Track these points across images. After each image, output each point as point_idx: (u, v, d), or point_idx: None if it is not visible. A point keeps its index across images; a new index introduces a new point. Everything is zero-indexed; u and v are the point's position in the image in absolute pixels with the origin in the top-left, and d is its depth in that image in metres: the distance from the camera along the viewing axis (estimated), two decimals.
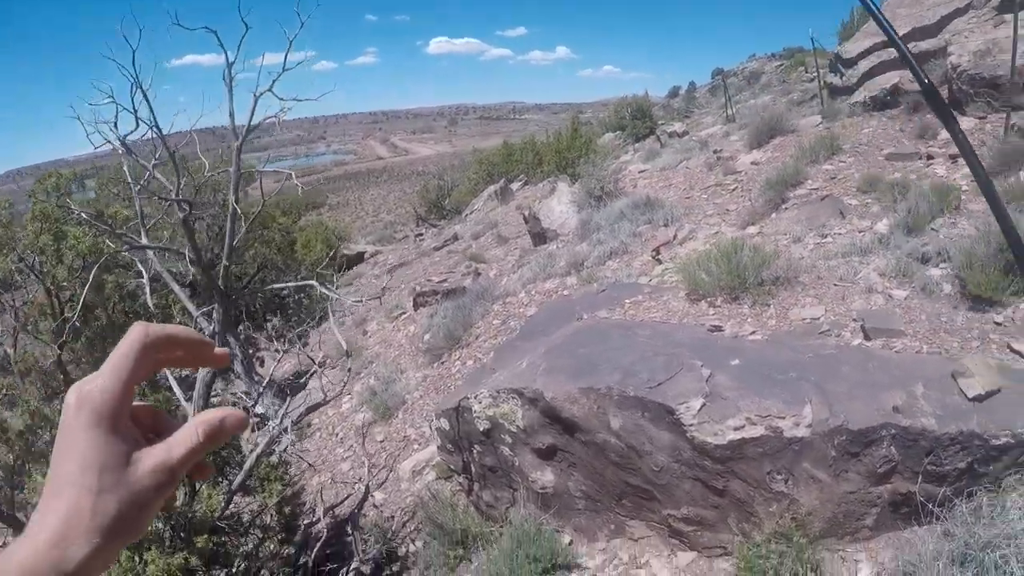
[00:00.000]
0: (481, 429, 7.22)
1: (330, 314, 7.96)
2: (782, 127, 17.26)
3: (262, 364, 18.30)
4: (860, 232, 9.94)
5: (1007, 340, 6.35)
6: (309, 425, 12.58)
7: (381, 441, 10.79)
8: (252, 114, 6.89)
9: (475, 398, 7.22)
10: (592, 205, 16.28)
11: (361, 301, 9.04)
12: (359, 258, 30.89)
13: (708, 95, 49.17)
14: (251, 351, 17.67)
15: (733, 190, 14.53)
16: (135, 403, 0.82)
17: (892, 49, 16.09)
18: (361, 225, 50.46)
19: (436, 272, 18.44)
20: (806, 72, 31.62)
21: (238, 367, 15.73)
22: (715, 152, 18.24)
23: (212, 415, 0.83)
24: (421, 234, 31.46)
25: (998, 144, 10.76)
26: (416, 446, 10.09)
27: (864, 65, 18.21)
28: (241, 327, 18.53)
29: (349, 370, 8.90)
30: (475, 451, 7.53)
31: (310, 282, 7.87)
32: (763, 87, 35.80)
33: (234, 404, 11.26)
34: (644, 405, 5.79)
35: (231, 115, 6.70)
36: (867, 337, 6.76)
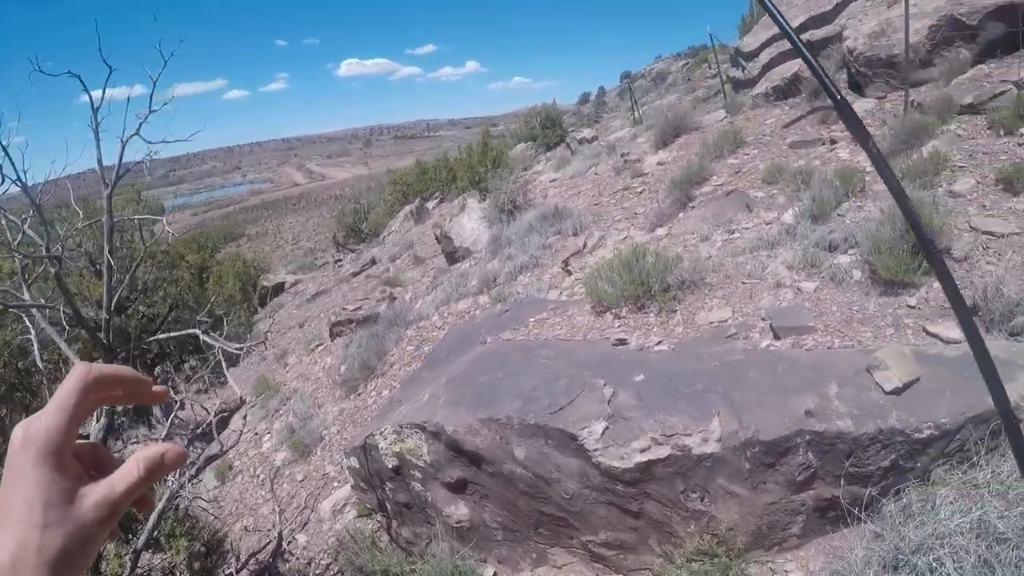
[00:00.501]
0: (390, 466, 6.89)
1: (222, 360, 7.41)
2: (686, 125, 17.09)
3: (182, 407, 17.70)
4: (767, 224, 9.78)
5: (922, 323, 6.19)
6: (230, 468, 12.18)
7: (301, 480, 10.41)
8: (120, 159, 6.39)
9: (380, 435, 6.89)
10: (502, 220, 15.95)
11: (242, 348, 8.54)
12: (279, 288, 30.22)
13: (617, 99, 49.26)
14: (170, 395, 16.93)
15: (640, 193, 14.25)
16: (78, 441, 0.82)
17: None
18: (281, 254, 49.86)
19: (353, 299, 17.99)
20: (709, 69, 31.70)
21: (156, 410, 15.26)
22: (622, 155, 18.00)
23: (153, 451, 0.83)
24: (340, 260, 31.01)
25: (899, 122, 10.57)
26: (336, 483, 9.72)
27: (764, 57, 18.30)
28: (158, 370, 17.92)
29: (245, 418, 8.39)
30: (388, 488, 7.19)
31: (193, 331, 7.35)
32: (669, 87, 36.08)
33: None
34: (546, 432, 5.47)
35: (99, 162, 6.17)
36: (776, 337, 6.51)
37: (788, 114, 14.93)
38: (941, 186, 8.69)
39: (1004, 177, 8.21)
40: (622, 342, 7.09)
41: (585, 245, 12.07)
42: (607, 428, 5.22)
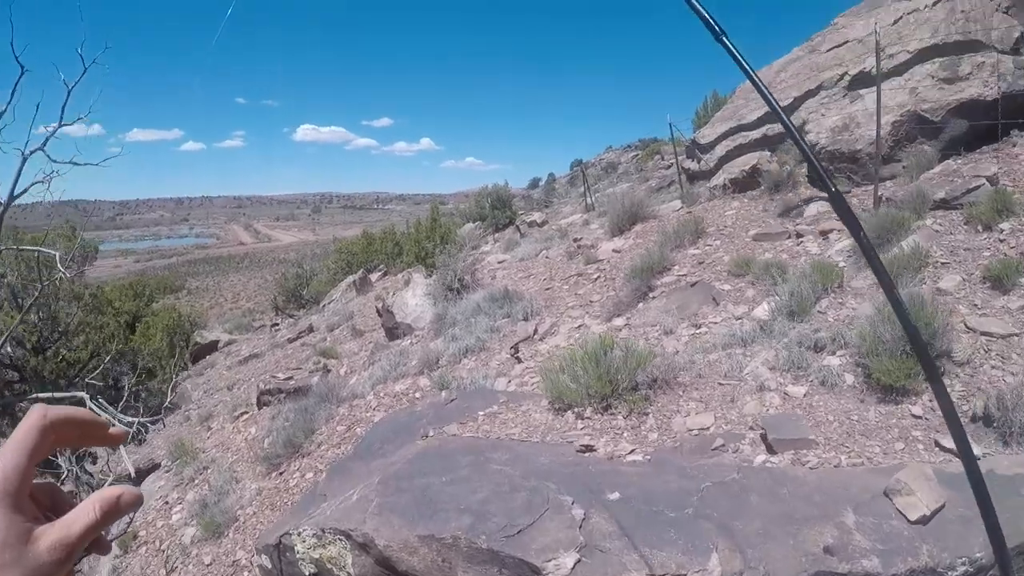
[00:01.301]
0: (307, 573, 5.68)
1: (121, 448, 6.26)
2: (643, 213, 16.31)
3: (94, 462, 16.58)
4: (737, 319, 9.06)
5: (933, 436, 5.53)
6: (135, 537, 10.95)
7: (209, 564, 9.19)
8: (18, 176, 5.28)
9: (298, 535, 5.77)
10: (449, 298, 15.03)
11: (136, 422, 7.44)
12: (213, 347, 28.86)
13: (567, 185, 48.89)
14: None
15: (596, 279, 13.42)
16: (34, 482, 0.81)
17: (747, 132, 16.26)
18: (219, 312, 49.01)
19: (286, 367, 16.93)
20: (662, 160, 31.65)
21: (64, 464, 14.07)
22: (575, 240, 17.11)
23: (109, 492, 0.82)
24: (277, 324, 29.77)
25: (874, 217, 9.88)
26: (246, 574, 8.51)
27: (720, 149, 17.63)
28: (99, 410, 16.58)
29: (131, 519, 7.19)
30: None
31: (78, 393, 6.20)
32: (621, 175, 35.81)
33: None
34: (501, 561, 4.42)
35: None
36: (771, 450, 5.54)
37: (747, 207, 14.37)
38: (925, 283, 8.07)
39: (992, 275, 7.69)
40: (588, 448, 6.07)
41: (535, 331, 11.23)
42: (579, 561, 4.17)
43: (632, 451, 5.99)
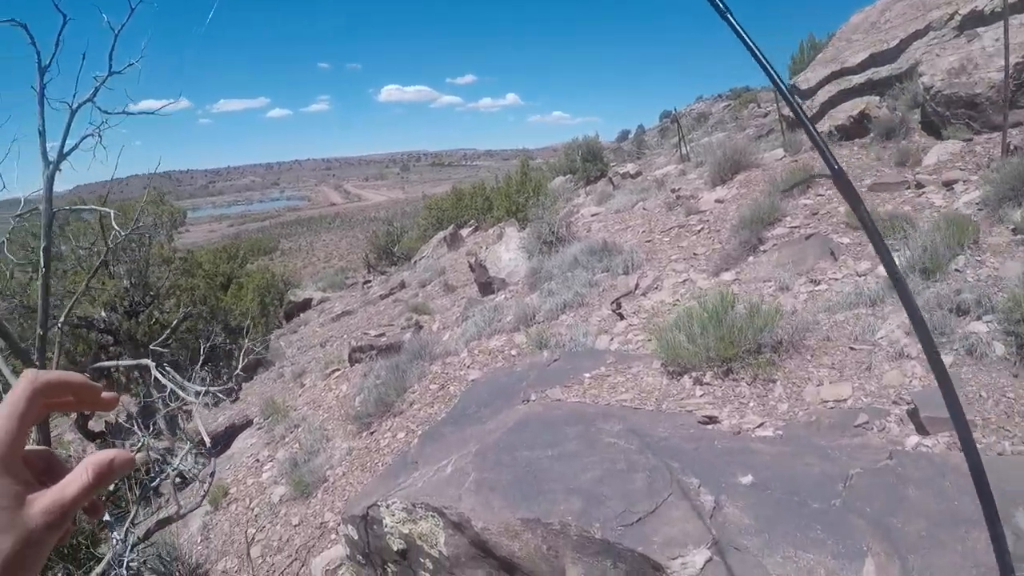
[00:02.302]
0: (395, 548, 5.18)
1: (194, 402, 5.79)
2: (745, 161, 15.29)
3: (188, 419, 16.54)
4: (860, 276, 8.20)
5: None
6: (226, 494, 10.79)
7: (296, 525, 8.82)
8: (67, 131, 4.74)
9: (386, 507, 5.17)
10: (543, 251, 14.44)
11: (200, 393, 6.95)
12: (306, 304, 28.90)
13: (657, 137, 47.71)
14: (176, 403, 15.84)
15: (699, 231, 12.61)
16: (29, 448, 0.81)
17: (851, 76, 15.82)
18: (312, 271, 49.35)
19: (377, 323, 16.55)
20: (758, 107, 30.51)
21: (160, 422, 13.99)
22: (673, 191, 16.21)
23: (102, 456, 0.81)
24: (369, 281, 29.57)
25: (1003, 168, 8.85)
26: (333, 536, 8.06)
27: (822, 95, 16.64)
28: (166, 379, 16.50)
29: (213, 474, 6.74)
30: (390, 570, 5.42)
31: (144, 361, 5.71)
32: (715, 125, 34.34)
33: (156, 461, 9.61)
34: (616, 553, 3.72)
35: (41, 133, 4.47)
36: (922, 430, 4.73)
37: (857, 155, 13.28)
38: None
39: None
40: (712, 420, 5.34)
41: (637, 286, 10.54)
42: (710, 560, 3.46)
43: (761, 424, 5.24)
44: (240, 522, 9.80)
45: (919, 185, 10.53)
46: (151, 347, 6.82)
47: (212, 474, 6.97)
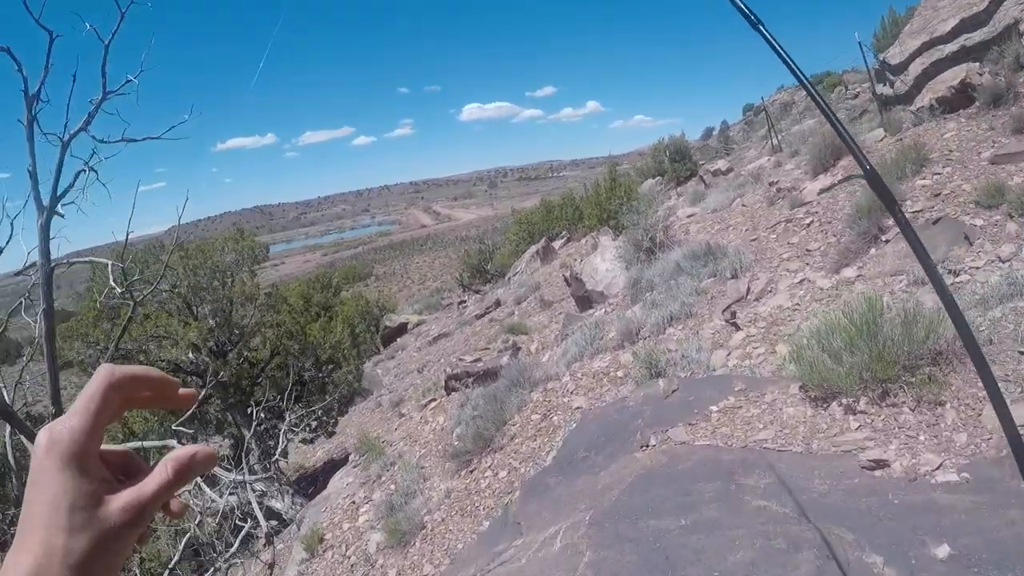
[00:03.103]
0: None
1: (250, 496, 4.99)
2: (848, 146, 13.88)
3: (284, 457, 16.02)
4: (1004, 262, 7.14)
5: None
6: (321, 540, 10.19)
7: None
8: (59, 168, 3.86)
9: None
10: (641, 259, 13.47)
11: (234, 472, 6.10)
12: (402, 329, 28.88)
13: (743, 132, 46.38)
14: (270, 443, 15.43)
15: (808, 224, 11.48)
16: (108, 447, 0.77)
17: (943, 45, 14.65)
18: (407, 294, 49.74)
19: (473, 347, 15.87)
20: (846, 90, 29.31)
21: (253, 462, 13.60)
22: (771, 184, 15.22)
23: (182, 452, 0.77)
24: (464, 301, 29.19)
25: None
26: None
27: (915, 68, 15.58)
28: (255, 413, 16.10)
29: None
30: None
31: (170, 442, 4.83)
32: (802, 112, 33.18)
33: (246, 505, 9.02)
34: None
35: (31, 174, 3.63)
36: None
37: (967, 127, 12.00)
38: None
39: None
40: (880, 464, 4.20)
41: (748, 291, 9.57)
42: None
43: (940, 466, 4.08)
44: (336, 573, 9.14)
45: None
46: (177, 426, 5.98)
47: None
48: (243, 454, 8.23)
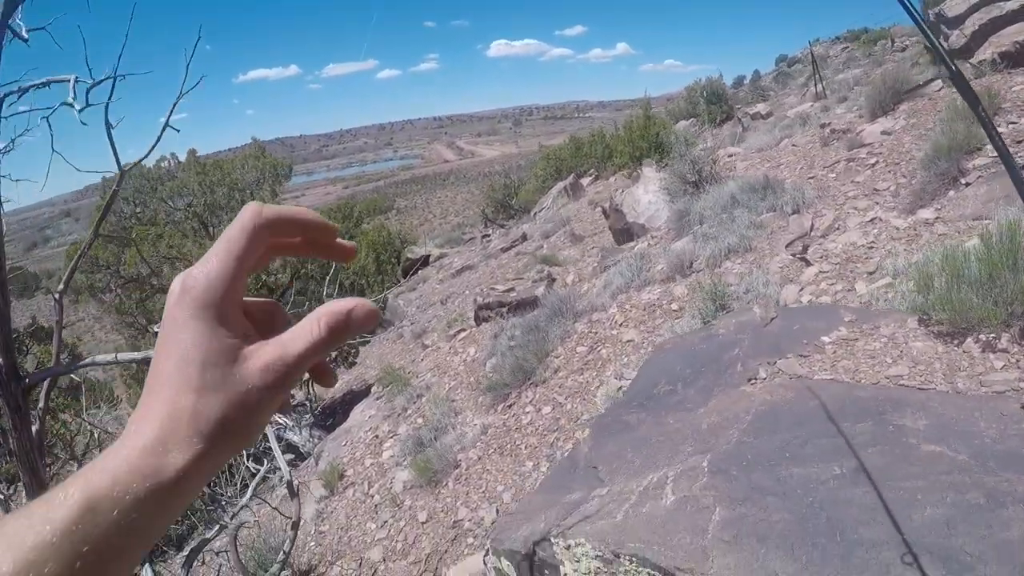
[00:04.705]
0: None
1: (273, 442, 4.17)
2: (909, 90, 13.48)
3: (301, 387, 15.41)
4: None
5: None
6: (342, 477, 9.38)
7: (424, 523, 7.16)
8: None
9: (566, 548, 3.45)
10: (688, 192, 12.62)
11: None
12: (424, 261, 28.37)
13: (778, 80, 45.40)
14: None
15: (873, 164, 10.71)
16: (251, 299, 0.69)
17: (1005, 3, 14.32)
18: (428, 228, 49.56)
19: (503, 277, 15.15)
20: (892, 44, 28.50)
21: None
22: (823, 126, 14.52)
23: (338, 305, 0.64)
24: (488, 235, 28.71)
25: None
26: (470, 540, 6.45)
27: (972, 23, 15.33)
28: None
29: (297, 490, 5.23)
30: None
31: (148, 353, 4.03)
32: (845, 63, 32.28)
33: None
34: None
35: None
36: None
37: None
38: None
39: None
40: None
41: (813, 227, 8.83)
42: None
43: None
44: (358, 513, 8.35)
45: None
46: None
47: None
48: None
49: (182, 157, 15.68)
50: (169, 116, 3.03)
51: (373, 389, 12.89)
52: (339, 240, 0.70)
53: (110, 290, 12.90)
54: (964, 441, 2.96)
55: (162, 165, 14.90)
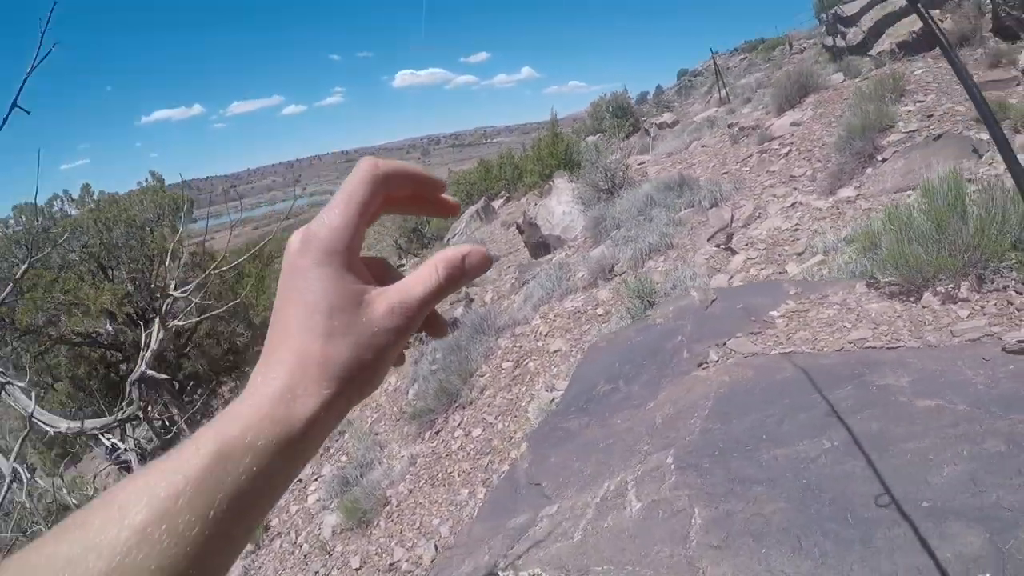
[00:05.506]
0: None
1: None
2: (813, 84, 13.90)
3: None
4: None
5: None
6: (267, 527, 8.67)
7: (358, 569, 6.59)
8: None
9: None
10: (603, 199, 12.57)
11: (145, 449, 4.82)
12: None
13: (680, 93, 46.30)
14: (203, 421, 14.01)
15: (786, 154, 10.96)
16: (362, 256, 0.66)
17: None
18: None
19: None
20: (789, 48, 29.43)
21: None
22: (731, 125, 15.04)
23: (453, 252, 0.63)
24: (403, 264, 28.25)
25: None
26: None
27: (867, 21, 17.03)
28: (188, 394, 14.61)
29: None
30: None
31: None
32: (745, 70, 33.38)
33: None
34: None
35: None
36: None
37: (936, 65, 11.81)
38: None
39: None
40: None
41: (734, 218, 8.81)
42: None
43: None
44: (287, 566, 7.77)
45: None
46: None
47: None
48: (178, 437, 6.97)
49: (77, 196, 14.94)
50: (19, 93, 2.55)
51: None
52: (444, 195, 0.69)
53: (4, 343, 12.03)
54: (957, 391, 2.63)
55: (54, 204, 14.06)
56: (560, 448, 3.84)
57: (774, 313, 4.48)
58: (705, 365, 3.94)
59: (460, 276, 0.61)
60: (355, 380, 0.57)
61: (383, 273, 0.66)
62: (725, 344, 4.20)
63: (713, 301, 5.00)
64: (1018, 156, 4.66)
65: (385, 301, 0.59)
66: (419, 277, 0.61)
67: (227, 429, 0.53)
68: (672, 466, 2.80)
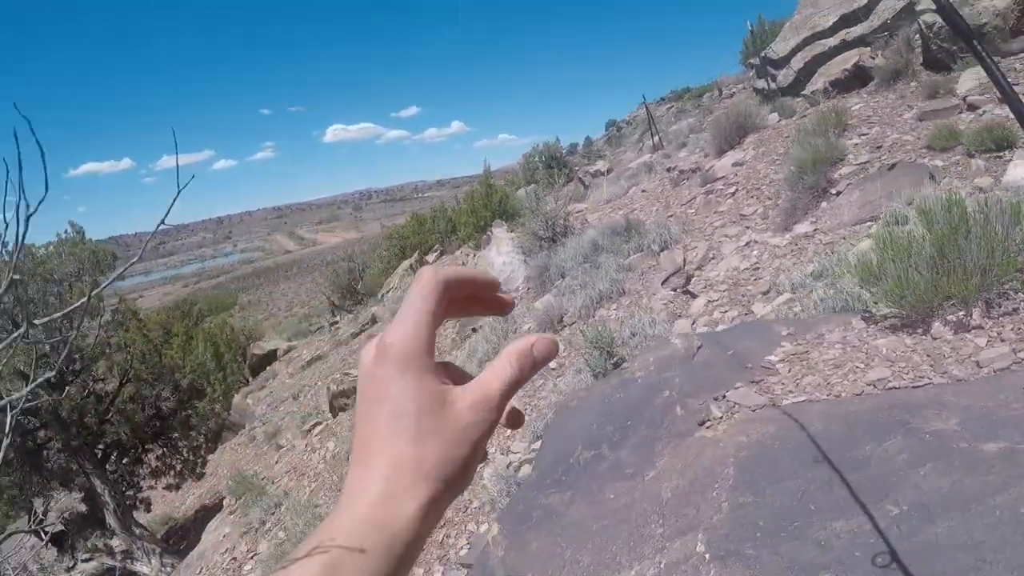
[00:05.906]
0: None
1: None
2: (751, 124, 13.96)
3: (147, 509, 13.80)
4: (984, 192, 6.77)
5: None
6: None
7: None
8: None
9: None
10: (544, 247, 12.34)
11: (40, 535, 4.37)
12: (272, 357, 27.20)
13: (610, 142, 46.59)
14: (129, 492, 13.23)
15: (733, 194, 10.93)
16: None
17: (824, 40, 15.87)
18: (274, 322, 48.99)
19: (356, 363, 14.03)
20: (719, 93, 29.71)
21: (110, 519, 12.09)
22: (670, 169, 14.96)
23: (522, 344, 0.64)
24: (336, 322, 27.87)
25: None
26: None
27: (797, 62, 16.83)
28: (112, 463, 13.75)
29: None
30: None
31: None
32: (676, 115, 33.51)
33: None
34: None
35: None
36: None
37: (872, 101, 12.22)
38: None
39: None
40: None
41: (686, 261, 8.67)
42: None
43: None
44: None
45: (972, 107, 9.61)
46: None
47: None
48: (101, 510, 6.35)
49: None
50: None
51: (226, 502, 11.62)
52: (500, 293, 0.70)
53: None
54: (1019, 429, 2.17)
55: None
56: (541, 531, 3.29)
57: (771, 358, 4.02)
58: (708, 423, 3.44)
59: (531, 366, 0.62)
60: (449, 477, 0.57)
61: (454, 373, 0.64)
62: (725, 397, 3.71)
63: (699, 348, 4.51)
64: (981, 179, 4.54)
65: (467, 398, 0.59)
66: (495, 371, 0.61)
67: (329, 536, 0.53)
68: (707, 556, 2.29)
